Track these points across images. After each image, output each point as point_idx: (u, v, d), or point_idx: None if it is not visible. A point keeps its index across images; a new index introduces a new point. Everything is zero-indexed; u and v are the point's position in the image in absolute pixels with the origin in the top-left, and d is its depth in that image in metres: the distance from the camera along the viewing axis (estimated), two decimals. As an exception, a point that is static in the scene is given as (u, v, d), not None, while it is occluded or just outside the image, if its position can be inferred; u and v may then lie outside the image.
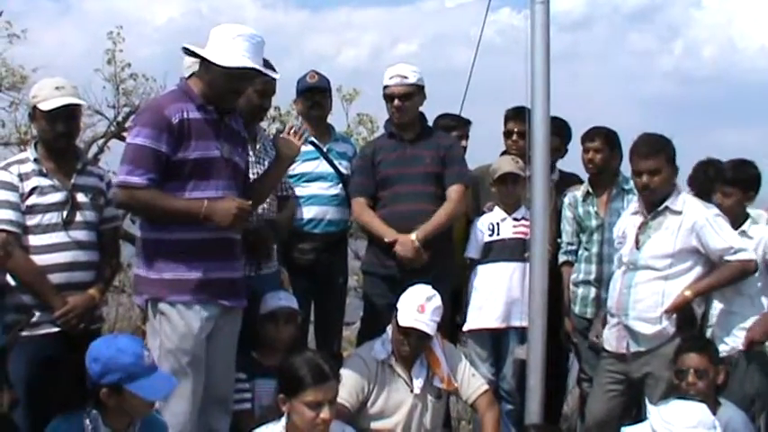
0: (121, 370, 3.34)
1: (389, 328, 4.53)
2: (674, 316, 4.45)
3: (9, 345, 3.62)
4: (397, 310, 4.42)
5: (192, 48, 3.94)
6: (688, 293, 4.43)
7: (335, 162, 5.33)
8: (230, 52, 3.86)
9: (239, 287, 4.09)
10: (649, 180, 4.52)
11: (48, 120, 4.21)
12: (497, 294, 5.18)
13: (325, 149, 5.32)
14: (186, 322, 3.85)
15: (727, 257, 4.42)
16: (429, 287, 4.48)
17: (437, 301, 4.41)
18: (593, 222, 5.40)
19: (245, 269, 4.33)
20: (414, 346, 4.43)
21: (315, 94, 5.32)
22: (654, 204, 4.59)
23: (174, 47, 4.00)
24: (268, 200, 4.65)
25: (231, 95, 4.07)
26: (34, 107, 4.26)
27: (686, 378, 4.18)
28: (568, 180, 5.77)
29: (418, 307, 4.35)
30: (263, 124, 9.14)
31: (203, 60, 3.94)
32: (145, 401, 3.38)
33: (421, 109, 5.33)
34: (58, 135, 4.25)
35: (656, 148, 4.56)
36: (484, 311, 5.21)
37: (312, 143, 5.25)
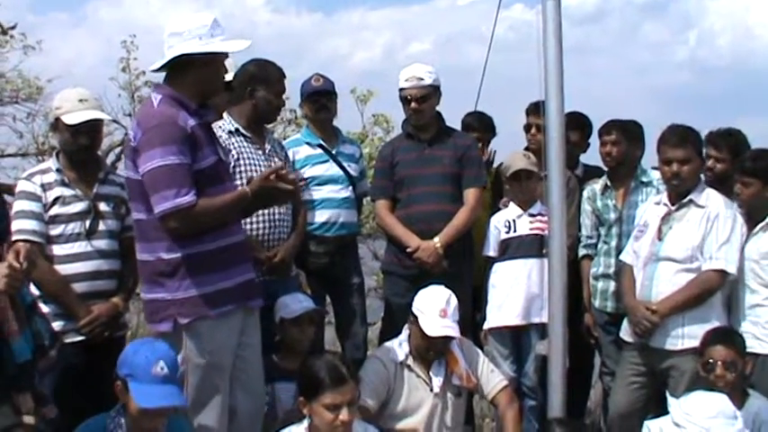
0: (130, 367, 3.42)
1: (406, 329, 4.54)
2: None
3: (42, 369, 3.63)
4: (414, 315, 4.40)
5: (174, 54, 3.69)
6: (655, 318, 4.46)
7: (344, 164, 5.34)
8: (217, 39, 3.72)
9: (257, 287, 4.06)
10: (679, 169, 4.52)
11: (71, 132, 4.24)
12: (516, 291, 5.17)
13: (333, 152, 5.33)
14: (218, 334, 3.74)
15: (705, 264, 4.44)
16: (442, 287, 4.46)
17: (454, 299, 4.40)
18: (612, 215, 5.38)
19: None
20: (440, 351, 4.44)
21: (321, 97, 5.32)
22: (679, 196, 4.59)
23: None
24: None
25: (222, 84, 3.96)
26: (57, 118, 4.29)
27: (714, 370, 4.16)
28: (593, 174, 5.76)
29: (440, 312, 4.33)
30: (279, 128, 9.26)
31: (187, 60, 3.70)
32: (136, 405, 3.38)
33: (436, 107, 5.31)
34: (81, 148, 4.28)
35: (687, 139, 4.57)
36: (503, 309, 5.20)
37: (321, 146, 5.28)
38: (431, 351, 4.42)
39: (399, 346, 4.50)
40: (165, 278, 3.70)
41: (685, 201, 4.56)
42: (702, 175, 4.84)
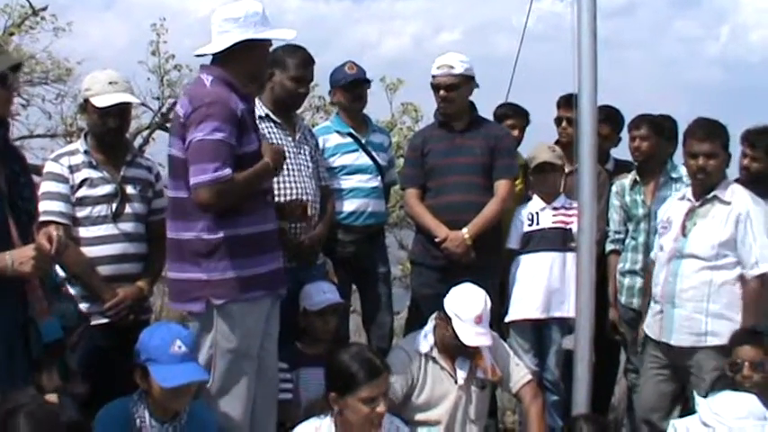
0: (146, 351, 3.47)
1: (432, 320, 4.52)
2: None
3: (71, 344, 3.67)
4: (446, 314, 4.36)
5: (236, 39, 3.76)
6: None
7: (374, 154, 5.30)
8: (267, 29, 3.82)
9: (285, 275, 4.08)
10: (705, 163, 4.46)
11: (100, 115, 4.24)
12: (537, 285, 5.15)
13: (363, 141, 5.30)
14: (248, 319, 3.78)
15: (748, 272, 4.38)
16: (476, 289, 4.43)
17: (488, 301, 4.38)
18: (641, 211, 5.34)
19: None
20: (471, 353, 4.42)
21: (357, 87, 5.28)
22: (704, 191, 4.54)
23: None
24: (312, 189, 4.68)
25: (270, 73, 4.10)
26: (86, 100, 4.28)
27: (741, 371, 4.11)
28: (624, 168, 5.71)
29: (475, 319, 4.29)
30: (307, 115, 9.25)
31: (241, 46, 3.77)
32: (159, 386, 3.43)
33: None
34: (110, 130, 4.27)
35: (714, 133, 4.52)
36: (524, 302, 5.18)
37: (351, 135, 5.25)
38: (462, 352, 4.40)
39: (425, 338, 4.48)
40: (202, 258, 3.74)
41: (709, 197, 4.51)
42: (738, 174, 4.79)
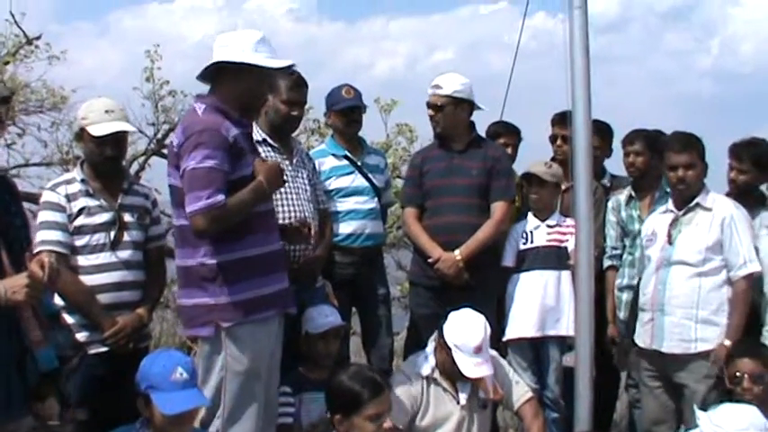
0: (148, 379, 3.46)
1: (432, 342, 4.52)
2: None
3: (67, 372, 3.67)
4: (446, 343, 4.34)
5: (227, 59, 3.80)
6: (727, 342, 4.42)
7: (370, 175, 5.31)
8: (261, 55, 3.82)
9: (292, 295, 4.10)
10: (684, 174, 4.59)
11: (97, 144, 4.24)
12: (532, 303, 5.14)
13: (359, 163, 5.31)
14: (257, 340, 3.79)
15: (736, 273, 4.48)
16: (472, 316, 4.42)
17: (486, 327, 4.38)
18: (637, 226, 5.32)
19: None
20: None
21: (354, 112, 5.30)
22: (685, 201, 4.64)
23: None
24: (310, 212, 4.68)
25: (264, 100, 4.10)
26: (82, 128, 4.29)
27: (742, 383, 4.12)
28: (621, 184, 5.73)
29: (475, 349, 4.29)
30: (302, 137, 9.26)
31: (229, 70, 3.82)
32: (161, 413, 3.42)
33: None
34: (107, 159, 4.28)
35: (690, 144, 4.65)
36: (520, 321, 5.17)
37: (346, 157, 5.26)
38: (463, 377, 4.37)
39: (425, 360, 4.49)
40: (207, 282, 3.77)
41: (692, 205, 4.62)
42: (727, 187, 4.86)
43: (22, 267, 3.21)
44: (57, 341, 3.44)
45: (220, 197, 3.63)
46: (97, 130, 4.20)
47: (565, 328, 4.97)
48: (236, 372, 3.75)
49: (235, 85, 3.84)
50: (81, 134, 4.34)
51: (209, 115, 3.79)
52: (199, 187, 3.63)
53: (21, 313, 3.22)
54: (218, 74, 3.86)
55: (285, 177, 4.06)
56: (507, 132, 5.88)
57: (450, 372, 4.40)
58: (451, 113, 5.16)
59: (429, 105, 5.18)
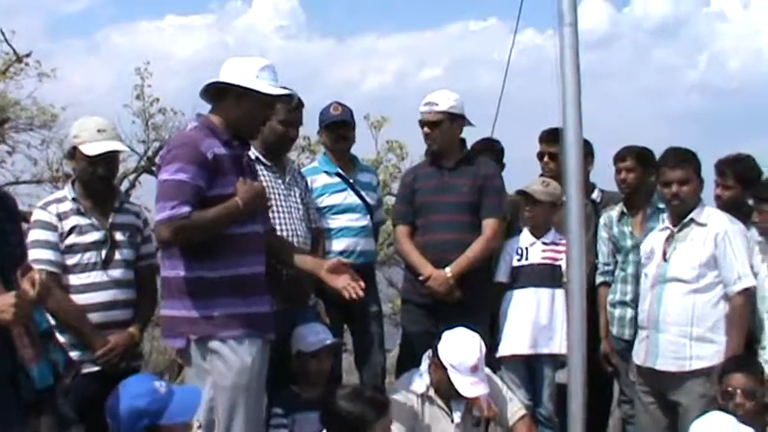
0: (146, 414, 3.32)
1: (426, 359, 4.51)
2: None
3: (60, 391, 3.63)
4: (441, 362, 4.34)
5: (227, 81, 3.87)
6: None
7: (362, 193, 5.32)
8: (263, 82, 3.86)
9: (272, 321, 4.07)
10: (678, 190, 4.58)
11: (89, 162, 4.24)
12: (525, 321, 5.13)
13: (351, 181, 5.31)
14: (240, 357, 3.78)
15: (732, 288, 4.45)
16: (467, 335, 4.42)
17: (481, 346, 4.38)
18: (629, 242, 5.35)
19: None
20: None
21: (340, 128, 5.30)
22: (680, 217, 4.64)
23: (201, 79, 3.97)
24: (302, 231, 4.67)
25: (261, 125, 4.12)
26: (74, 147, 4.28)
27: (734, 399, 4.12)
28: (610, 199, 5.72)
29: (471, 369, 4.29)
30: (292, 155, 9.26)
31: (231, 93, 3.89)
32: (183, 425, 3.38)
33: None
34: (98, 178, 4.28)
35: (685, 159, 4.64)
36: (513, 338, 5.16)
37: (338, 175, 5.27)
38: (458, 396, 4.37)
39: (420, 377, 4.48)
40: (183, 295, 3.81)
41: (686, 220, 4.61)
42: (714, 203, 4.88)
43: (13, 285, 3.19)
44: (51, 359, 3.41)
45: (185, 209, 3.68)
46: (90, 149, 4.20)
47: (558, 346, 4.95)
48: (222, 387, 3.76)
49: (234, 108, 3.90)
50: (73, 153, 4.33)
51: (194, 132, 3.87)
52: (166, 198, 3.70)
53: (11, 331, 3.20)
54: (220, 95, 3.92)
55: (272, 199, 4.08)
56: (486, 150, 5.84)
57: (445, 390, 4.39)
58: (448, 130, 5.17)
59: (424, 123, 5.16)
